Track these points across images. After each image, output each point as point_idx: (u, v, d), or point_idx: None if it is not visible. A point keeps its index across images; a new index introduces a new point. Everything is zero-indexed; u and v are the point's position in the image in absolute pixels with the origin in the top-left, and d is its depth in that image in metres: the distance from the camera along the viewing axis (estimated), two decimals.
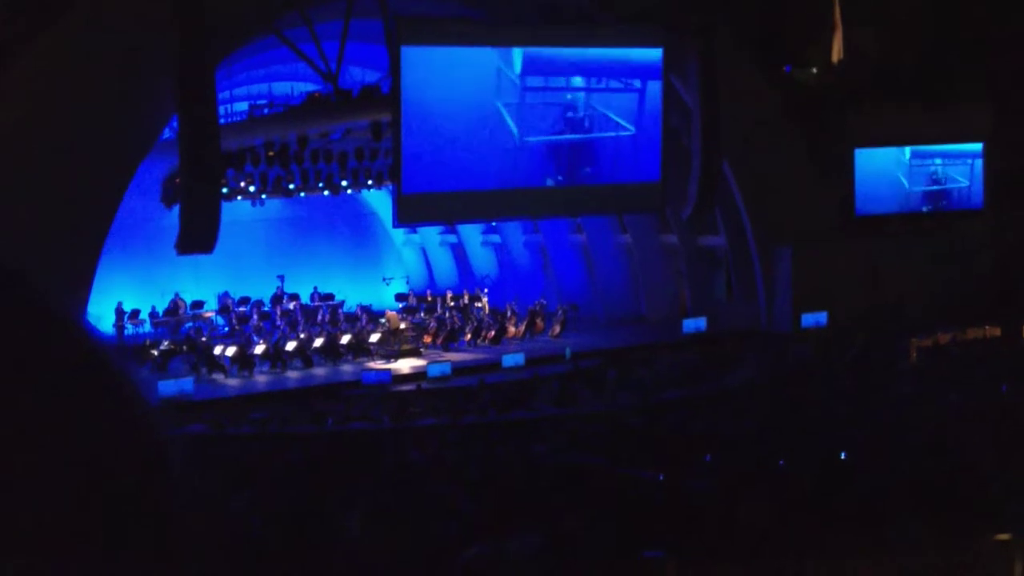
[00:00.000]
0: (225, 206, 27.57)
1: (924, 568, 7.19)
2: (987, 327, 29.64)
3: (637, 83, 31.30)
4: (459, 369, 29.18)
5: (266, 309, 32.74)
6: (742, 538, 8.08)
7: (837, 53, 36.71)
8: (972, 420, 16.32)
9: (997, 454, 11.53)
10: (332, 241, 37.35)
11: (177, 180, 27.82)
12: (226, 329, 32.38)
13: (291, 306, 33.01)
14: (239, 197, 30.87)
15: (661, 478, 10.76)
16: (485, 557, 6.76)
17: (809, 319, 32.15)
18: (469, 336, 32.08)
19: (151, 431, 0.87)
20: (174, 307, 31.97)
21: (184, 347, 29.65)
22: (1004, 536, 7.28)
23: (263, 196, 31.64)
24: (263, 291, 33.36)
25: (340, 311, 33.08)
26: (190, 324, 31.55)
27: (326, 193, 32.45)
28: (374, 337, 31.01)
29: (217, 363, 28.86)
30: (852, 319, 31.35)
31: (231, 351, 29.20)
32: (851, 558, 7.32)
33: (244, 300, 32.92)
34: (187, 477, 0.90)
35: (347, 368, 29.83)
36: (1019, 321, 29.26)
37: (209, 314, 32.72)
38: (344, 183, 32.03)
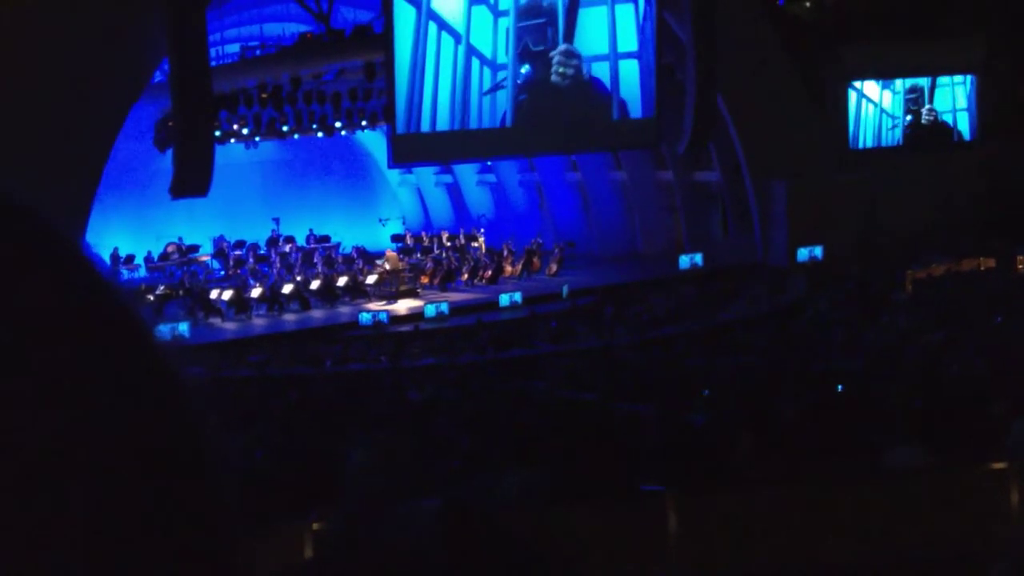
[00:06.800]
0: (219, 149, 27.46)
1: (921, 497, 7.26)
2: (981, 258, 29.69)
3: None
4: (456, 309, 29.18)
5: (262, 252, 32.68)
6: (741, 471, 8.16)
7: None
8: (967, 351, 16.40)
9: (992, 384, 11.60)
10: (327, 183, 37.19)
11: (170, 123, 27.67)
12: (222, 273, 32.35)
13: (287, 248, 32.95)
14: (232, 140, 30.72)
15: (659, 413, 10.83)
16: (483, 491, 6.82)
17: (804, 253, 32.16)
18: (466, 276, 32.05)
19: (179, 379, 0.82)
20: (169, 252, 31.93)
21: (180, 291, 29.62)
22: (1000, 464, 7.34)
23: (257, 138, 31.47)
24: (258, 234, 33.27)
25: (336, 253, 33.04)
26: (186, 268, 31.51)
27: (320, 134, 32.27)
28: (371, 278, 30.99)
29: (214, 307, 28.83)
30: (847, 252, 31.38)
31: (227, 295, 29.14)
32: (848, 488, 7.39)
33: (240, 243, 32.84)
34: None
35: (344, 310, 29.82)
36: (1013, 252, 29.31)
37: (205, 258, 32.67)
38: (338, 124, 31.84)
